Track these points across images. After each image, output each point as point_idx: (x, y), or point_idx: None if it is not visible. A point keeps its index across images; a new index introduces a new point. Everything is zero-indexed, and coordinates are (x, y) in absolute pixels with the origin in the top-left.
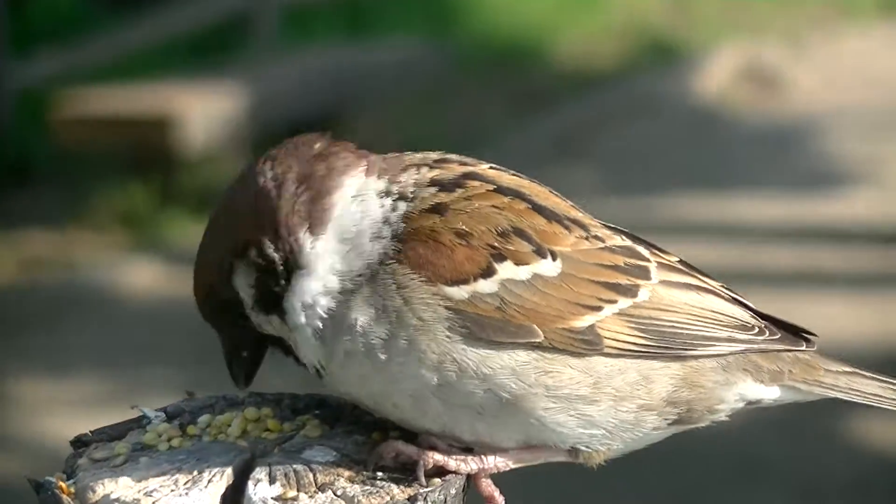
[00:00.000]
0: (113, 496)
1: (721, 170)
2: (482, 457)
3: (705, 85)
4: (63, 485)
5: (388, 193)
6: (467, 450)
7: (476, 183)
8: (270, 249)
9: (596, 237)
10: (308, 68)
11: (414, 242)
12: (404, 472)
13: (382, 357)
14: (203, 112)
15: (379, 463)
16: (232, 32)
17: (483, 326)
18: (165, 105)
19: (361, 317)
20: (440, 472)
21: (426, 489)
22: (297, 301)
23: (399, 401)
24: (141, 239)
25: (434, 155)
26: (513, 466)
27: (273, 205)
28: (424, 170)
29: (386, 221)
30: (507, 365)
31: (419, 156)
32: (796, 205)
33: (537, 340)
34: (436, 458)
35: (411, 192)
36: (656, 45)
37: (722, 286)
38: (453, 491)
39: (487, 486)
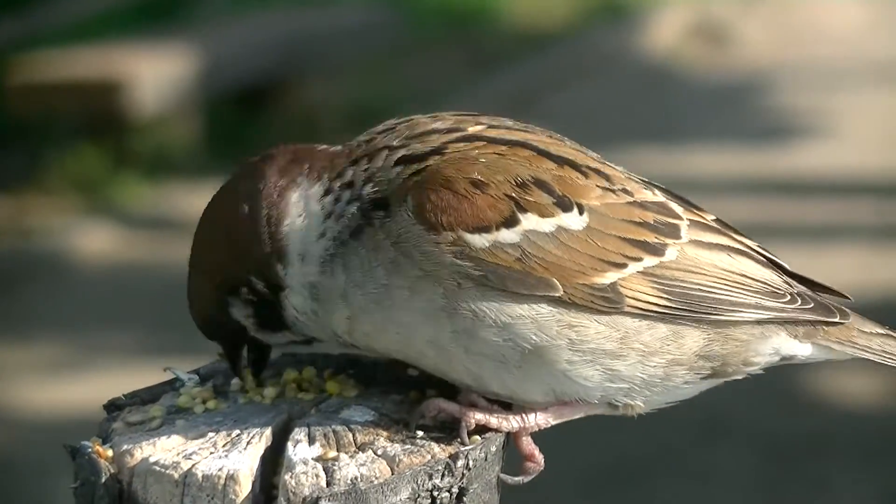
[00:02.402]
0: (152, 459)
1: (674, 125)
2: (523, 415)
3: (656, 42)
4: (100, 449)
5: (327, 192)
6: (507, 407)
7: (461, 145)
8: (259, 286)
9: (624, 190)
10: (260, 31)
11: (426, 191)
12: (444, 431)
13: (388, 304)
14: (154, 75)
15: (420, 421)
16: None
17: (501, 277)
18: (116, 68)
19: (356, 279)
20: (481, 429)
21: (467, 447)
22: (293, 314)
23: (422, 348)
24: (95, 203)
25: (418, 129)
26: (553, 423)
27: (251, 245)
28: (384, 153)
29: (329, 216)
30: (527, 315)
31: (387, 139)
32: (750, 158)
33: (556, 294)
34: (477, 416)
35: (362, 179)
36: (607, 4)
37: (758, 246)
38: (493, 448)
39: (528, 445)
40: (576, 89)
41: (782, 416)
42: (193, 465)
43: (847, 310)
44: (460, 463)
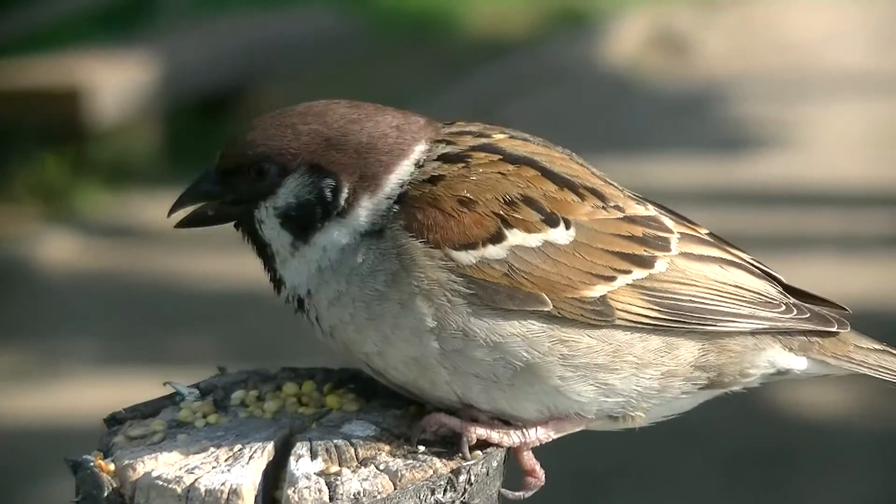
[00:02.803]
0: (154, 474)
1: (633, 135)
2: (524, 430)
3: (616, 51)
4: (102, 463)
5: (417, 162)
6: (507, 422)
7: (481, 154)
8: (343, 196)
9: (616, 207)
10: (220, 39)
11: (415, 208)
12: (446, 446)
13: (377, 311)
14: (114, 83)
15: (421, 436)
16: (143, 3)
17: (490, 293)
18: (76, 77)
19: (364, 269)
20: (482, 444)
21: (469, 462)
22: (322, 242)
23: (398, 365)
24: (56, 212)
25: (456, 128)
26: (554, 437)
27: (370, 158)
28: (442, 145)
29: (402, 185)
30: (518, 333)
31: (445, 129)
32: (712, 168)
33: (545, 309)
34: (479, 431)
35: (427, 161)
36: (567, 13)
37: (752, 259)
38: (495, 464)
39: (529, 460)
40: (536, 98)
41: (748, 427)
42: (196, 480)
43: (845, 321)
44: (462, 478)
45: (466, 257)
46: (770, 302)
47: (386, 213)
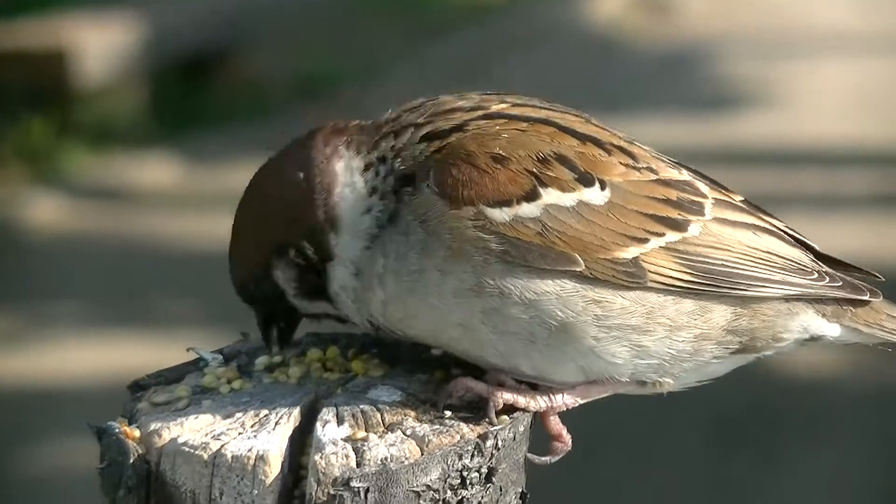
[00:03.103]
0: (180, 440)
1: (617, 95)
2: (550, 394)
3: (599, 12)
4: (127, 429)
5: (368, 166)
6: (533, 387)
7: (482, 122)
8: (309, 251)
9: (648, 168)
10: (204, 2)
11: (446, 167)
12: (472, 411)
13: (421, 289)
14: (99, 45)
15: (448, 401)
16: None
17: (522, 251)
18: (61, 38)
19: (391, 264)
20: (508, 409)
21: (496, 427)
22: (335, 288)
23: (453, 332)
24: (41, 173)
25: (443, 106)
26: (581, 402)
27: (305, 209)
28: (410, 130)
29: (374, 191)
30: (551, 291)
31: (412, 116)
32: (696, 128)
33: (577, 269)
34: (505, 396)
35: (391, 155)
36: None
37: (787, 227)
38: (521, 428)
39: (556, 425)
40: (520, 59)
41: (729, 389)
42: (223, 446)
43: (878, 290)
44: (489, 443)
45: (500, 215)
46: (803, 269)
47: (386, 211)
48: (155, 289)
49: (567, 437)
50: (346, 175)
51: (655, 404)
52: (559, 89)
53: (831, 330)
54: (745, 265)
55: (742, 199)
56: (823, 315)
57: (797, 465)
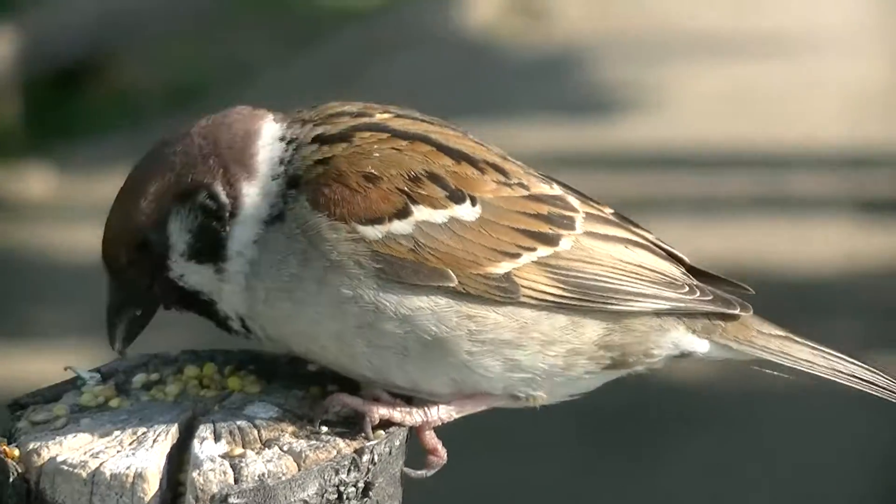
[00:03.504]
0: (59, 459)
1: (494, 99)
2: (426, 409)
3: (474, 17)
4: (7, 449)
5: (283, 138)
6: (409, 401)
7: (366, 134)
8: (223, 195)
9: (520, 185)
10: (76, 10)
11: (321, 185)
12: (348, 426)
13: (299, 297)
14: None
15: (324, 417)
16: None
17: (396, 267)
18: None
19: (276, 258)
20: (384, 424)
21: (372, 442)
22: (234, 248)
23: (326, 342)
24: None
25: (329, 110)
26: (456, 416)
27: (223, 152)
28: (310, 126)
29: (282, 162)
30: (426, 307)
31: (313, 113)
32: (572, 132)
33: (451, 285)
34: (381, 411)
35: (300, 143)
36: None
37: (657, 240)
38: (397, 443)
39: (431, 439)
40: (395, 63)
41: (606, 386)
42: (101, 464)
43: (748, 304)
44: (366, 458)
45: (373, 232)
46: (673, 283)
47: (282, 197)
48: (33, 301)
49: (442, 451)
50: (268, 133)
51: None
52: (433, 94)
53: (701, 346)
54: (617, 279)
55: (612, 212)
56: (694, 331)
57: (672, 464)
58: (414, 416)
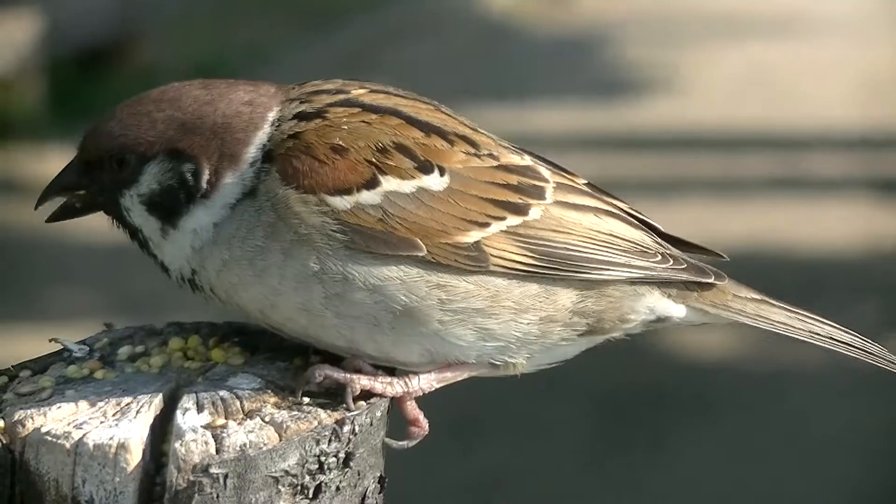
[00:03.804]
0: (43, 430)
1: (514, 82)
2: (407, 379)
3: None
4: None
5: (272, 123)
6: (391, 372)
7: (339, 109)
8: (205, 178)
9: (490, 155)
10: None
11: (290, 157)
12: (330, 397)
13: (261, 266)
14: None
15: (306, 388)
16: None
17: (365, 238)
18: None
19: (241, 230)
20: (366, 395)
21: (353, 413)
22: (191, 225)
23: (292, 314)
24: None
25: (311, 87)
26: (437, 386)
27: (227, 139)
28: (296, 103)
29: (264, 146)
30: (395, 277)
31: (299, 91)
32: (593, 114)
33: (420, 254)
34: (362, 382)
35: (283, 121)
36: None
37: (630, 209)
38: (378, 414)
39: (413, 410)
40: (414, 46)
41: (620, 370)
42: (84, 435)
43: (722, 273)
44: (346, 428)
45: (342, 202)
46: (646, 251)
47: (256, 173)
48: (54, 282)
49: (424, 422)
50: (268, 123)
51: (542, 386)
52: (453, 77)
53: (677, 311)
54: (588, 248)
55: (586, 182)
56: (669, 296)
57: (685, 446)
58: (395, 387)
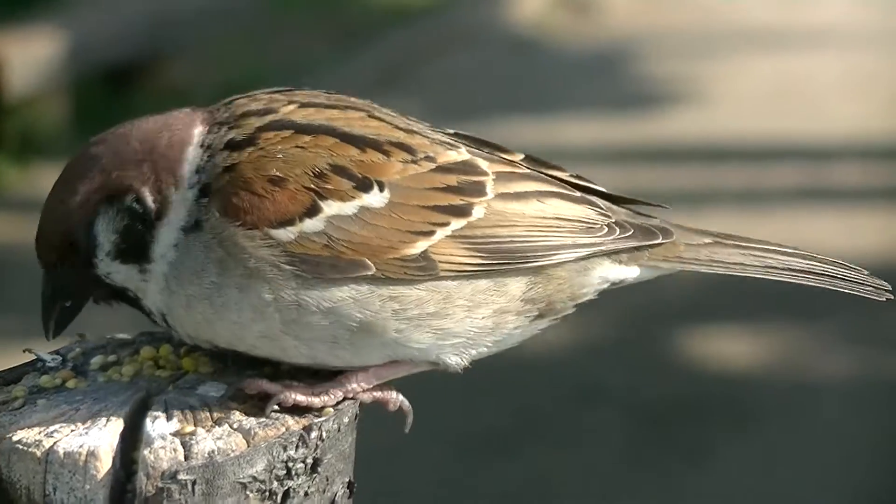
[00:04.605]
0: (14, 438)
1: (544, 95)
2: (343, 382)
3: (523, 13)
4: None
5: (202, 144)
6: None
7: (270, 134)
8: (149, 200)
9: (427, 158)
10: (127, 10)
11: (228, 194)
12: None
13: (219, 302)
14: (22, 56)
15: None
16: None
17: (313, 265)
18: None
19: (196, 266)
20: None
21: (320, 419)
22: (158, 251)
23: (254, 342)
24: None
25: (238, 108)
26: (375, 383)
27: (157, 159)
28: (224, 129)
29: (199, 171)
30: (347, 297)
31: (227, 113)
32: (620, 126)
33: (369, 273)
34: (297, 397)
35: (214, 149)
36: None
37: (572, 177)
38: (346, 420)
39: (370, 397)
40: (444, 62)
41: (654, 381)
42: (55, 443)
43: (670, 229)
44: (314, 434)
45: (285, 234)
46: (592, 227)
47: (196, 206)
48: None
49: (391, 396)
50: (196, 140)
51: (577, 397)
52: (481, 92)
53: (631, 273)
54: (534, 236)
55: (523, 157)
56: (620, 262)
57: (719, 458)
58: (331, 395)
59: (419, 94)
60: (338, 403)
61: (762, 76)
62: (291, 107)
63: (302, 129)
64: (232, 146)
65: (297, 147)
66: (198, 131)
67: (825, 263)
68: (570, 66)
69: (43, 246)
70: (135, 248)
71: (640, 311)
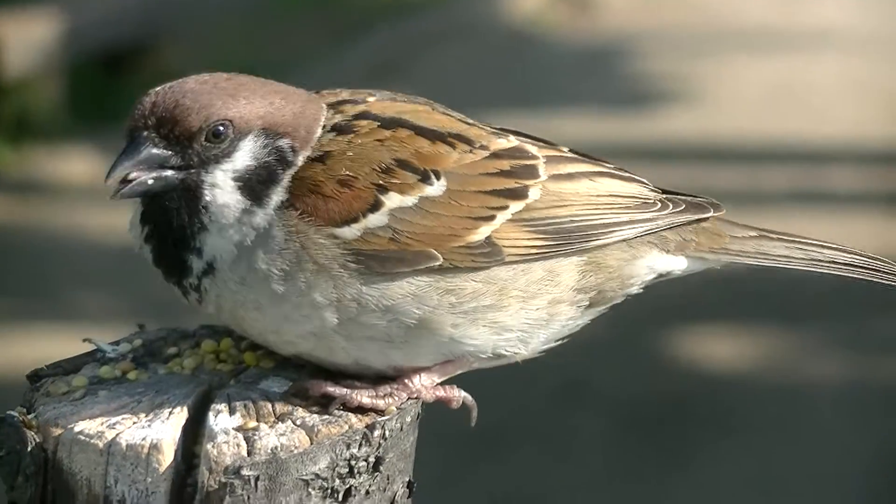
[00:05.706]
0: (76, 429)
1: (539, 90)
2: (406, 383)
3: (518, 8)
4: (25, 418)
5: (323, 126)
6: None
7: (363, 122)
8: (297, 156)
9: (482, 147)
10: None
11: (301, 191)
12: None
13: (280, 290)
14: (19, 38)
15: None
16: None
17: (381, 261)
18: None
19: (275, 245)
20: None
21: (383, 418)
22: (267, 207)
23: (295, 339)
24: None
25: (333, 97)
26: (439, 381)
27: (304, 122)
28: (330, 112)
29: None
30: (407, 292)
31: (327, 97)
32: (615, 124)
33: (437, 263)
34: (363, 400)
35: (326, 129)
36: None
37: (618, 167)
38: (408, 419)
39: (434, 396)
40: (440, 56)
41: (640, 381)
42: (117, 435)
43: (719, 203)
44: (377, 433)
45: (350, 232)
46: (646, 202)
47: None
48: (75, 283)
49: (453, 394)
50: (322, 121)
51: (564, 396)
52: (479, 86)
53: (678, 264)
54: (592, 215)
55: (568, 149)
56: (667, 251)
57: (707, 459)
58: (396, 397)
59: (414, 87)
60: (401, 404)
61: (760, 77)
62: (372, 99)
63: (384, 124)
64: (337, 129)
65: (376, 140)
66: (325, 115)
67: (866, 258)
68: (567, 62)
69: (182, 112)
70: (257, 186)
71: (629, 313)
